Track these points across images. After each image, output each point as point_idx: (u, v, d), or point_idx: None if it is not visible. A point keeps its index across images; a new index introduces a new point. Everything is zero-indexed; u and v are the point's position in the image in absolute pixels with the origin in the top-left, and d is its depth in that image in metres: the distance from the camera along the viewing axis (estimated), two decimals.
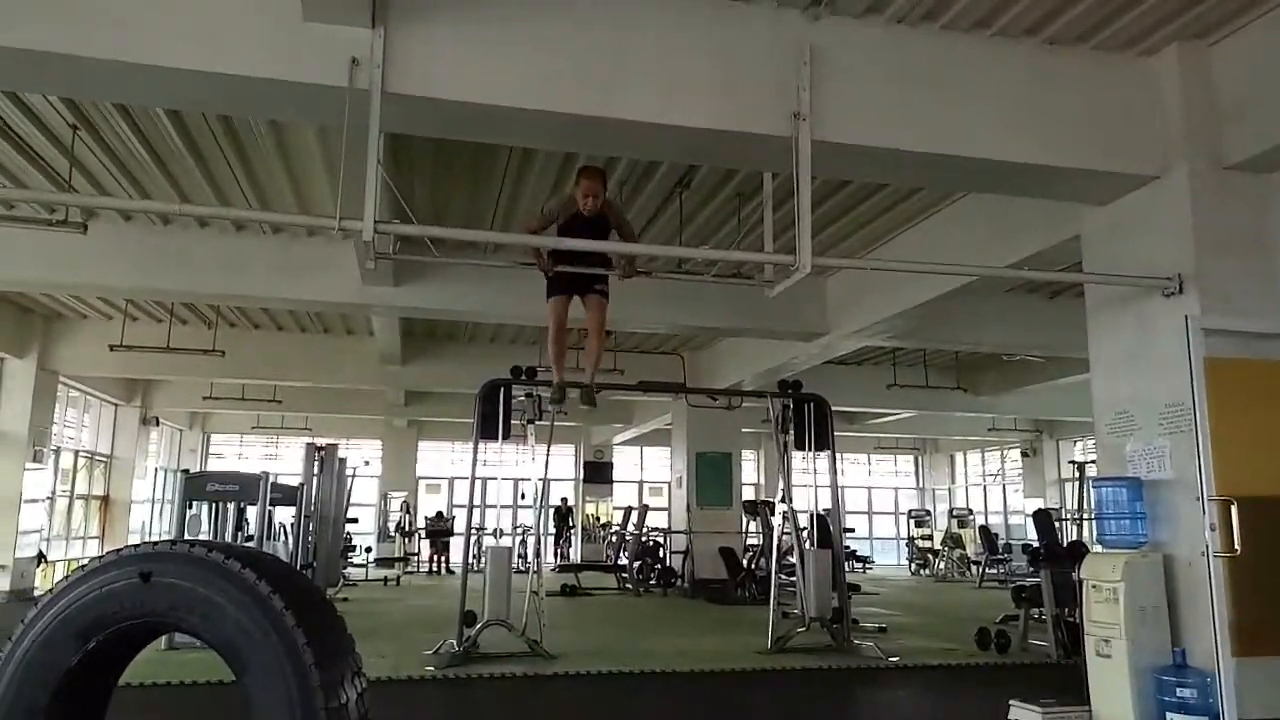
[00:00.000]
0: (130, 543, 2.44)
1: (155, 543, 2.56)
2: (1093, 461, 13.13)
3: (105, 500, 17.08)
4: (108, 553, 2.56)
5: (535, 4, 4.68)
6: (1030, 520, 16.35)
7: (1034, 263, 7.09)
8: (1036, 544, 9.48)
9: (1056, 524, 11.47)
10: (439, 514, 20.16)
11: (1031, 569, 9.96)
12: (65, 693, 2.42)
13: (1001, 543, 18.42)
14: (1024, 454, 21.01)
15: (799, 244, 4.73)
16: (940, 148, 5.12)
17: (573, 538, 21.72)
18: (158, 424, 18.79)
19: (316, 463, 11.81)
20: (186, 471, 8.95)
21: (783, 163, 4.96)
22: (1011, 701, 5.27)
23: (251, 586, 2.38)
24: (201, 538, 8.62)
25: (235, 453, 22.57)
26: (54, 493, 14.53)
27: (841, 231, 8.80)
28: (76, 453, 15.91)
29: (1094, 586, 4.98)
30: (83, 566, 2.52)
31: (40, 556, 13.41)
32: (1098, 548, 5.45)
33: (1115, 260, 5.56)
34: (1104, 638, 4.88)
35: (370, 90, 4.31)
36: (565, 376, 5.91)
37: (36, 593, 12.85)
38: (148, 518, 18.73)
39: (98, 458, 16.84)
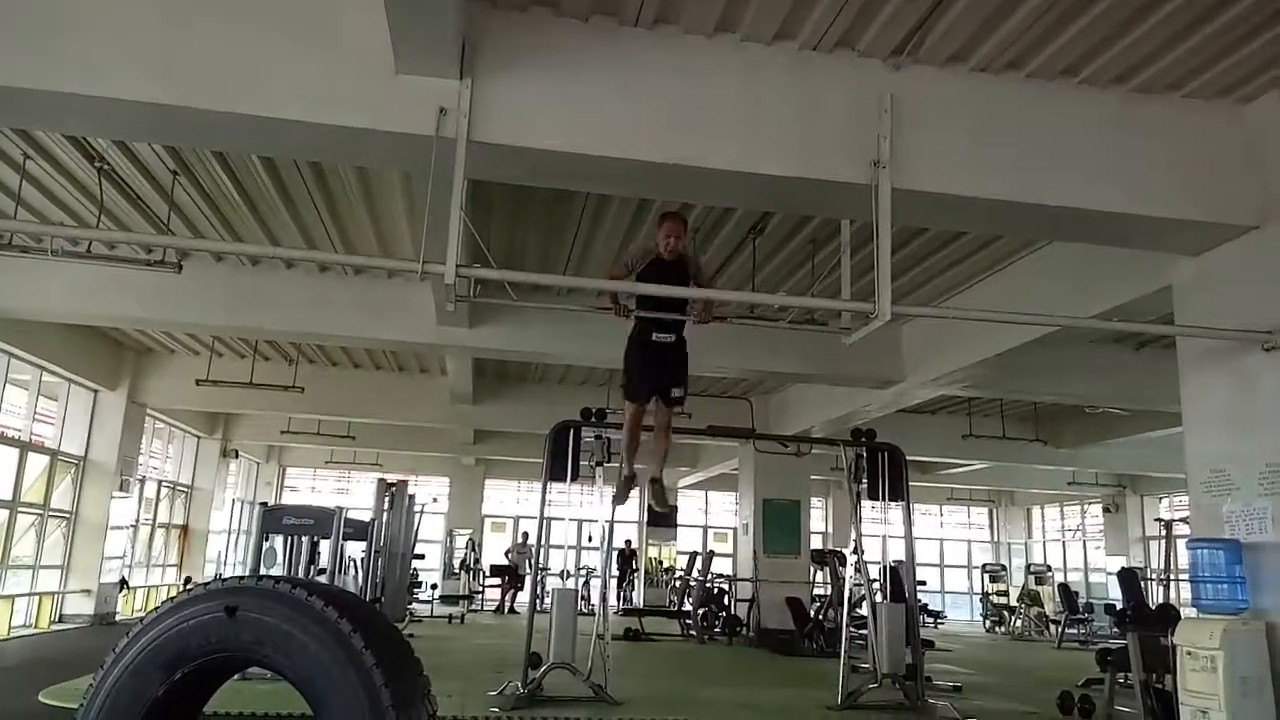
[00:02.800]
0: (210, 575, 2.48)
1: (241, 578, 2.61)
2: (1181, 519, 12.59)
3: (184, 529, 17.60)
4: (195, 586, 2.62)
5: (618, 55, 4.77)
6: (1113, 579, 15.72)
7: (1120, 313, 6.87)
8: (1121, 604, 9.06)
9: (1142, 584, 10.98)
10: (519, 544, 20.08)
11: (1117, 630, 9.51)
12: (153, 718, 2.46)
13: (1082, 602, 17.66)
14: (1106, 509, 20.21)
15: (878, 292, 4.68)
16: (1023, 196, 5.04)
17: (636, 581, 21.55)
18: (236, 456, 19.35)
19: (387, 499, 12.00)
20: (265, 504, 9.17)
21: (861, 210, 4.94)
22: None
23: (333, 624, 2.41)
24: (285, 574, 8.79)
25: (309, 486, 23.09)
26: (138, 521, 15.04)
27: (919, 278, 8.68)
28: (160, 483, 16.47)
29: (1189, 654, 4.73)
30: (171, 599, 2.58)
31: (123, 583, 13.84)
32: (1191, 611, 5.18)
33: (1210, 312, 5.36)
34: (1201, 709, 4.62)
35: (456, 139, 4.44)
36: (634, 471, 5.96)
37: (118, 618, 13.26)
38: (224, 548, 19.21)
39: (179, 488, 17.39)
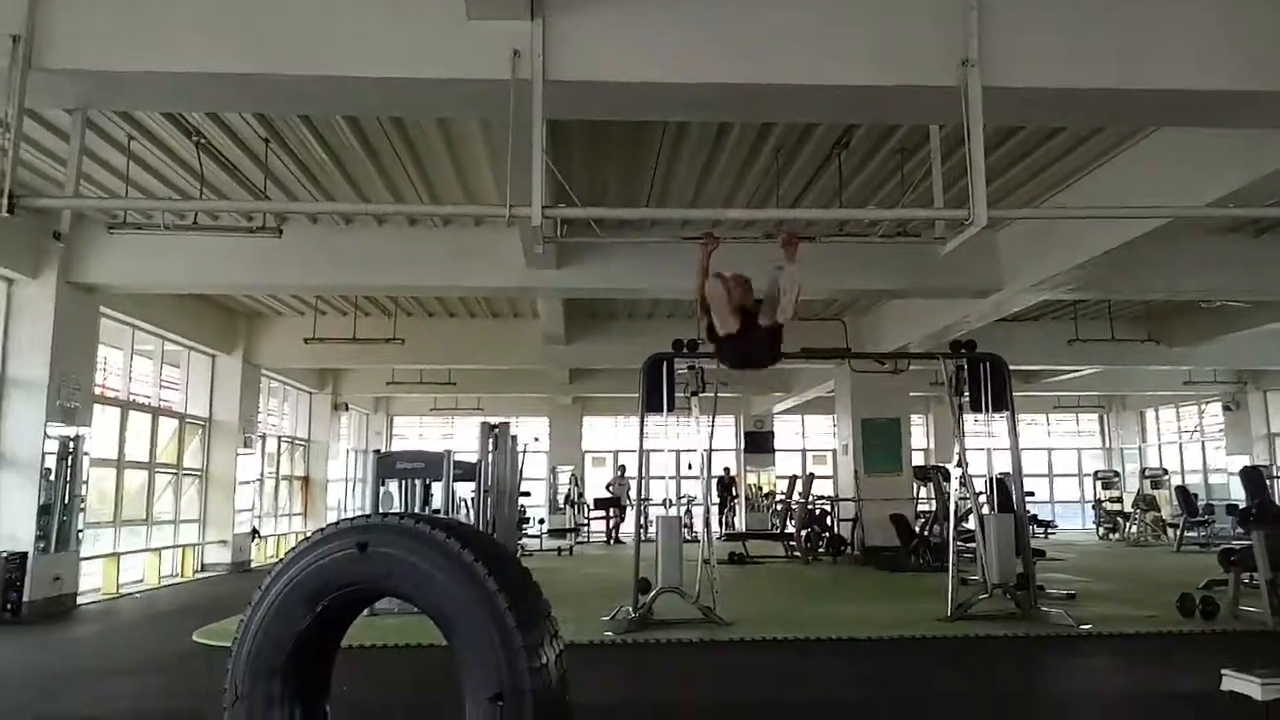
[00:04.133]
0: (342, 517, 2.65)
1: (368, 516, 2.78)
2: None
3: (305, 480, 18.59)
4: (327, 525, 2.80)
5: None
6: (1235, 480, 15.09)
7: (1236, 199, 6.46)
8: (1245, 504, 8.74)
9: (1267, 482, 10.54)
10: (618, 476, 20.56)
11: (1240, 531, 9.20)
12: (298, 653, 2.67)
13: (1201, 504, 17.07)
14: (1226, 408, 19.32)
15: (973, 197, 4.53)
16: (1123, 83, 4.76)
17: (737, 507, 21.81)
18: (347, 409, 20.23)
19: (491, 440, 12.39)
20: (378, 452, 9.60)
21: (950, 114, 4.75)
22: (1224, 671, 4.90)
23: (457, 555, 2.55)
24: (410, 510, 9.23)
25: (416, 433, 24.02)
26: (262, 475, 15.95)
27: (1015, 180, 8.32)
28: (279, 438, 17.38)
29: None
30: (307, 538, 2.77)
31: (254, 532, 14.78)
32: None
33: None
34: None
35: (532, 80, 4.45)
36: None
37: (253, 564, 14.20)
38: (343, 495, 20.25)
39: (297, 442, 18.33)
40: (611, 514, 19.68)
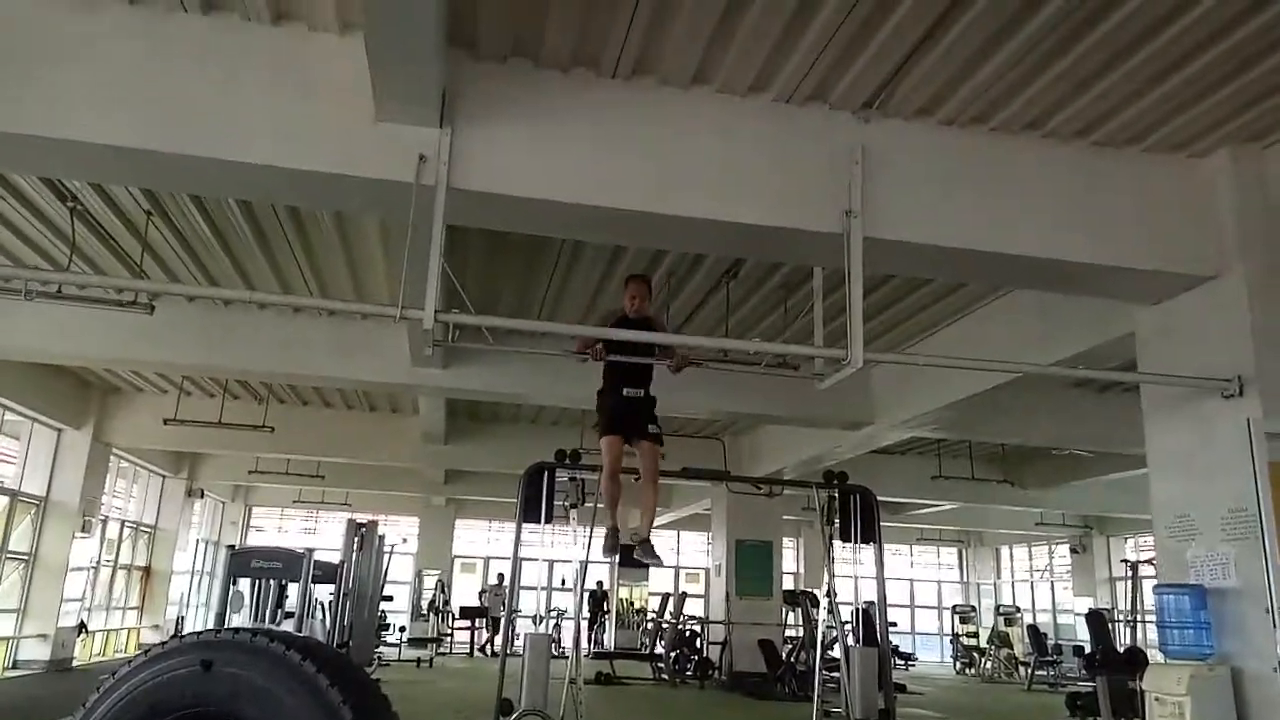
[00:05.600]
0: (173, 617, 2.46)
1: (217, 630, 2.59)
2: (1147, 561, 12.74)
3: (147, 571, 17.22)
4: (170, 639, 2.59)
5: (596, 105, 4.87)
6: (1081, 620, 15.81)
7: (1085, 359, 7.03)
8: (1090, 647, 9.14)
9: (1110, 625, 11.07)
10: (493, 586, 19.82)
11: (1086, 674, 9.58)
12: None
13: (1051, 643, 17.75)
14: (1073, 550, 20.40)
15: (850, 339, 4.77)
16: (989, 245, 5.18)
17: (607, 623, 21.34)
18: (202, 496, 19.03)
19: (357, 539, 11.84)
20: (232, 548, 9.04)
21: (832, 257, 5.05)
22: None
23: (310, 679, 2.39)
24: (253, 619, 8.63)
25: (275, 525, 22.74)
26: (98, 562, 14.70)
27: (888, 322, 8.82)
28: (122, 523, 16.13)
29: (1158, 699, 4.79)
30: (145, 651, 2.55)
31: (81, 626, 13.49)
32: (1159, 656, 5.25)
33: (1171, 360, 5.50)
34: None
35: (436, 186, 4.49)
36: (617, 525, 5.88)
37: (76, 663, 12.90)
38: (187, 589, 18.80)
39: (142, 528, 17.04)
40: (478, 624, 18.92)
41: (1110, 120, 5.13)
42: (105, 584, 15.44)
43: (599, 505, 8.96)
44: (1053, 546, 21.94)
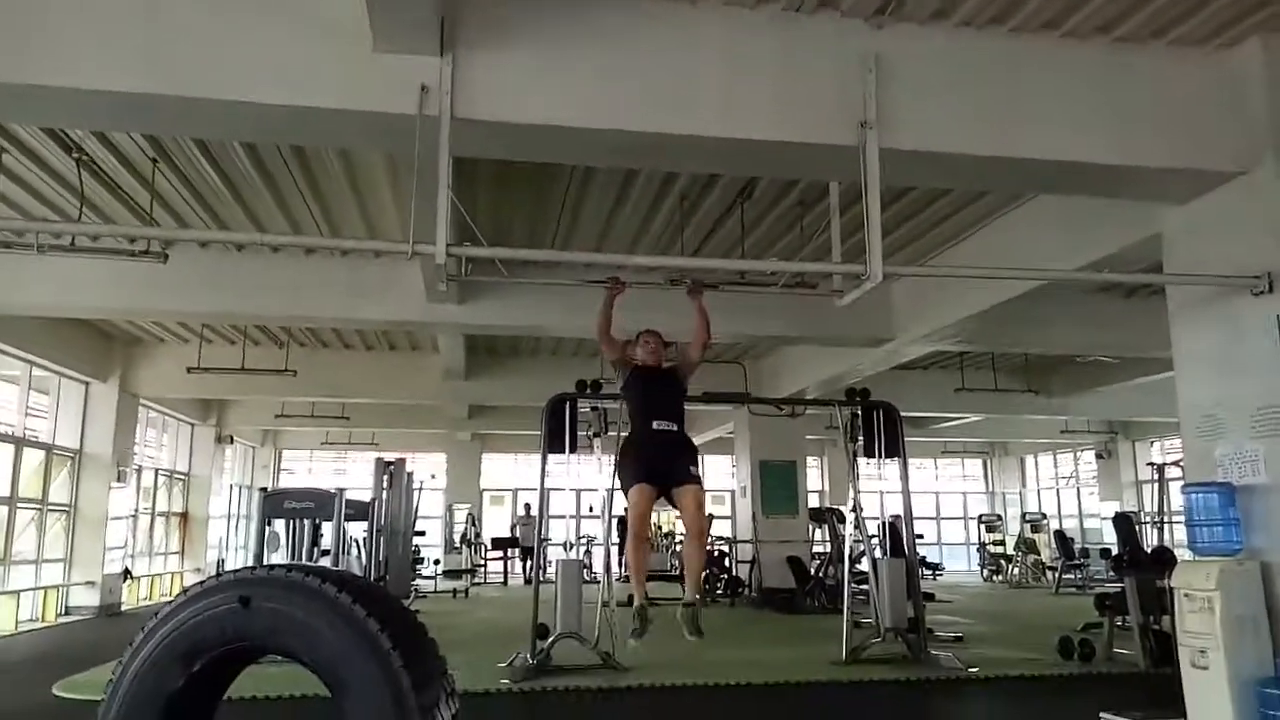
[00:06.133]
0: (213, 560, 2.50)
1: (253, 568, 2.63)
2: (1173, 463, 12.73)
3: (184, 517, 17.63)
4: (209, 578, 2.64)
5: (599, 27, 4.72)
6: (1108, 524, 15.91)
7: (1110, 263, 6.89)
8: (1117, 549, 9.21)
9: (1136, 527, 11.12)
10: (522, 517, 20.17)
11: (1114, 575, 9.67)
12: (172, 715, 2.50)
13: (1077, 547, 17.91)
14: (1098, 456, 20.42)
15: (869, 253, 4.70)
16: (1009, 151, 5.03)
17: None
18: (232, 442, 19.33)
19: (386, 478, 12.04)
20: (265, 490, 9.20)
21: (848, 171, 4.93)
22: (1102, 713, 5.13)
23: (347, 610, 2.44)
24: (289, 559, 8.83)
25: (305, 468, 23.12)
26: (137, 510, 15.06)
27: (907, 236, 8.68)
28: (156, 471, 16.46)
29: (1187, 596, 4.81)
30: (185, 591, 2.60)
31: (126, 573, 13.89)
32: (1186, 554, 5.27)
33: (1199, 259, 5.38)
34: (1200, 649, 4.71)
35: (439, 116, 4.40)
36: (647, 593, 5.00)
37: (124, 608, 13.32)
38: (224, 533, 19.28)
39: (176, 476, 17.40)
40: (511, 554, 19.33)
41: (1133, 15, 4.92)
42: (146, 531, 15.83)
43: (622, 434, 9.07)
44: (1078, 453, 21.97)
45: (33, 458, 12.19)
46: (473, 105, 4.50)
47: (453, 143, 4.41)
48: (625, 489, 4.90)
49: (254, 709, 6.02)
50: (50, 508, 12.54)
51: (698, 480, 4.86)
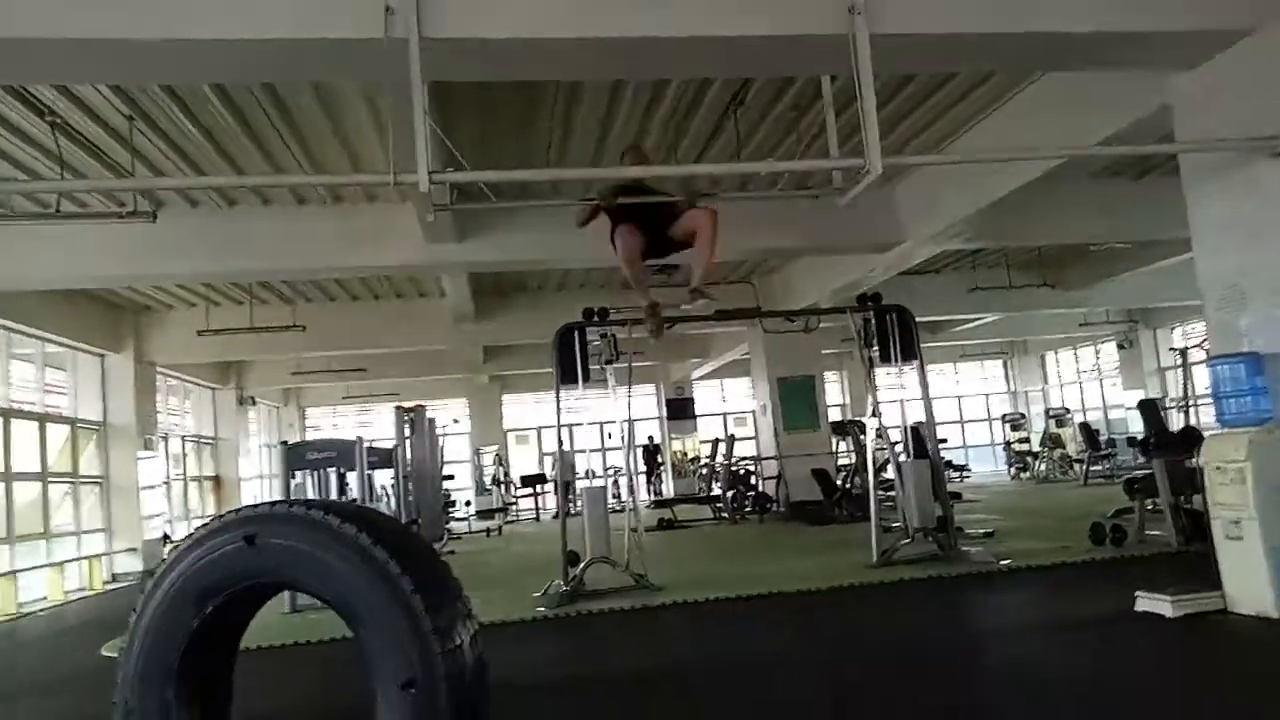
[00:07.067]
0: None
1: (255, 505, 2.59)
2: (1196, 345, 12.55)
3: (216, 480, 17.89)
4: (211, 519, 2.61)
5: None
6: (1132, 415, 15.80)
7: (1119, 140, 6.65)
8: (1144, 434, 9.11)
9: (1162, 412, 11.02)
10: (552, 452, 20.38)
11: (1142, 461, 9.61)
12: (191, 658, 2.49)
13: (1103, 439, 17.86)
14: (1120, 346, 20.23)
15: (867, 145, 4.51)
16: (1010, 26, 4.79)
17: (663, 475, 21.91)
18: (254, 403, 19.50)
19: (407, 424, 12.09)
20: (285, 443, 9.23)
21: (840, 64, 4.70)
22: (1137, 593, 5.10)
23: (353, 539, 2.39)
24: (302, 498, 8.89)
25: (330, 423, 23.34)
26: (169, 477, 15.27)
27: (909, 131, 8.41)
28: (183, 438, 16.64)
29: (1218, 468, 4.73)
30: (189, 535, 2.57)
31: (165, 537, 14.15)
32: (1214, 430, 5.18)
33: (1211, 126, 5.17)
34: (1233, 519, 4.65)
35: (409, 38, 4.22)
36: (651, 295, 5.58)
37: None
38: (258, 492, 19.58)
39: (204, 441, 17.59)
40: (541, 490, 19.57)
41: None
42: (180, 496, 16.08)
43: (636, 362, 8.99)
44: (1098, 346, 21.77)
45: (58, 433, 12.32)
46: (441, 23, 4.30)
47: (425, 66, 4.23)
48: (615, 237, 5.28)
49: (291, 654, 6.12)
50: (82, 480, 12.72)
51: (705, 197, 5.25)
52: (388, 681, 2.35)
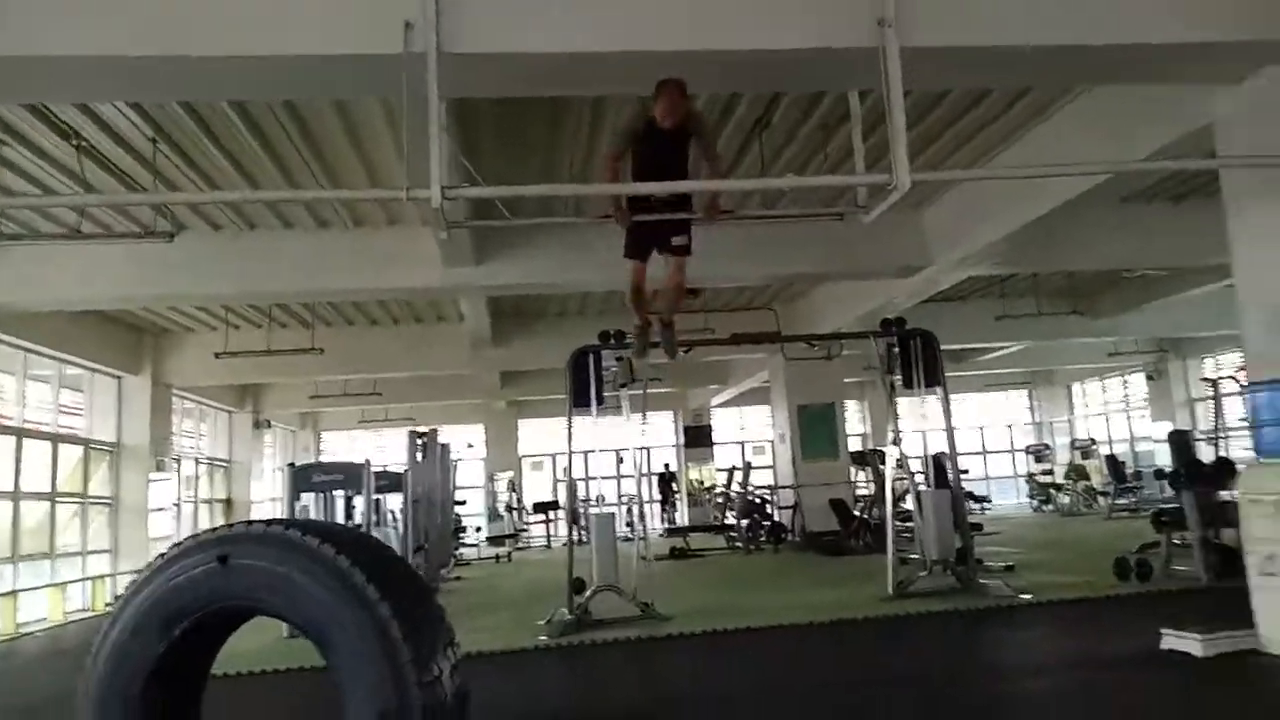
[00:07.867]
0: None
1: (231, 524, 2.43)
2: (1229, 376, 12.19)
3: (228, 503, 17.78)
4: (186, 538, 2.45)
5: None
6: (1159, 447, 15.40)
7: (1159, 159, 6.42)
8: (1172, 467, 8.81)
9: (1193, 445, 10.67)
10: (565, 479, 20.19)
11: (1170, 494, 9.29)
12: (155, 684, 2.32)
13: (1130, 471, 17.42)
14: (1149, 377, 19.81)
15: (894, 160, 4.33)
16: (1048, 39, 4.62)
17: (677, 503, 21.63)
18: (270, 426, 19.44)
19: (418, 449, 11.95)
20: (292, 465, 9.11)
21: (870, 78, 4.54)
22: (1163, 630, 4.83)
23: (330, 561, 2.23)
24: (280, 516, 8.75)
25: (345, 448, 23.24)
26: (180, 499, 15.17)
27: (940, 153, 8.19)
28: (197, 460, 16.58)
29: (1254, 501, 4.48)
30: (162, 554, 2.41)
31: None
32: (1249, 461, 4.93)
33: (1256, 142, 4.98)
34: (1268, 554, 4.40)
35: (427, 53, 4.11)
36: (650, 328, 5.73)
37: None
38: (269, 515, 19.46)
39: (217, 463, 17.52)
40: (552, 517, 19.34)
41: None
42: (190, 519, 15.98)
43: (652, 388, 8.80)
44: (1126, 376, 21.35)
45: (70, 454, 12.27)
46: (460, 38, 4.21)
47: (444, 81, 4.13)
48: (626, 254, 5.40)
49: (274, 681, 5.93)
50: (91, 501, 12.65)
51: (685, 248, 5.25)
52: (361, 713, 2.17)
